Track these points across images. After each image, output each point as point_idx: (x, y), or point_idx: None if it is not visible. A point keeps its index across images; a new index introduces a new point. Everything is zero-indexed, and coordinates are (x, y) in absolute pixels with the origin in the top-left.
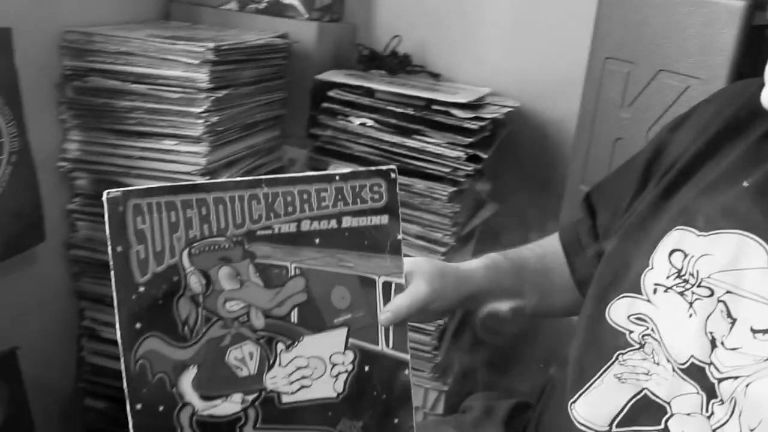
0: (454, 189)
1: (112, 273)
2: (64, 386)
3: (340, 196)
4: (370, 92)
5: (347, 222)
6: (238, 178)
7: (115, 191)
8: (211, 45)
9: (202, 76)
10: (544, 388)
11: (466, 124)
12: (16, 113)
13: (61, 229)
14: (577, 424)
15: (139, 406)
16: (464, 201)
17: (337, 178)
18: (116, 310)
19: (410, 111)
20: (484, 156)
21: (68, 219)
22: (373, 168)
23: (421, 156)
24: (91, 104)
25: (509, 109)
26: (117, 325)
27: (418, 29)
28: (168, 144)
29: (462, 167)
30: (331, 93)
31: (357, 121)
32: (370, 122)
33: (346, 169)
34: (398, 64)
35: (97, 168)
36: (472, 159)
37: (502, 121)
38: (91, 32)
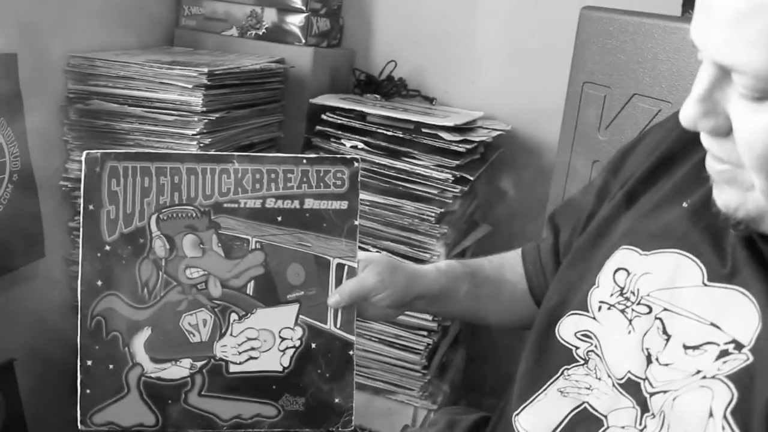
0: (442, 210)
1: (81, 230)
2: (61, 398)
3: (305, 179)
4: (362, 116)
5: (309, 203)
6: (212, 152)
7: (94, 152)
8: (205, 70)
9: (196, 100)
10: (498, 405)
11: (454, 147)
12: (19, 134)
13: (62, 245)
14: None
15: (89, 362)
16: (454, 222)
17: (304, 161)
18: (80, 267)
19: (400, 134)
20: (471, 178)
21: (70, 236)
22: (338, 155)
23: (409, 177)
24: (92, 126)
25: (499, 132)
26: (78, 281)
27: (414, 55)
28: None
29: (449, 189)
30: (324, 116)
31: (349, 144)
32: (361, 145)
33: (313, 154)
34: (393, 88)
35: None
36: (459, 181)
37: (494, 144)
38: (93, 57)
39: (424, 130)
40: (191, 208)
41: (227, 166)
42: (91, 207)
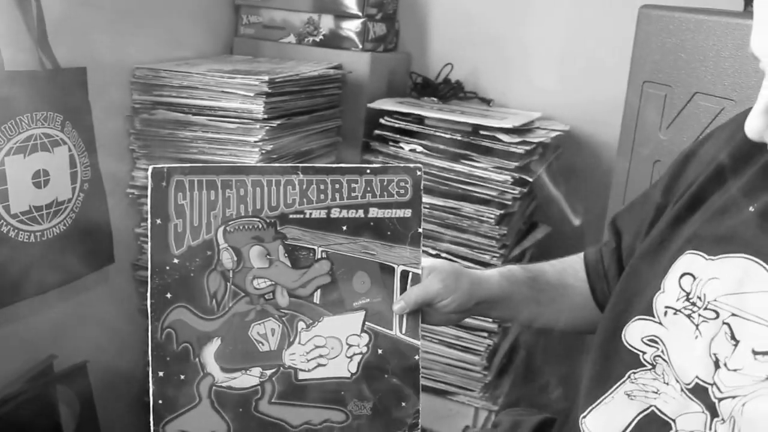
0: (502, 212)
1: (149, 244)
2: (132, 399)
3: (369, 188)
4: (420, 119)
5: (373, 213)
6: (276, 165)
7: (159, 166)
8: (266, 78)
9: (257, 107)
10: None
11: (513, 149)
12: (89, 144)
13: (130, 251)
14: None
15: (161, 373)
16: (512, 223)
17: (368, 171)
18: (149, 279)
19: (458, 137)
20: (530, 179)
21: (137, 242)
22: (401, 165)
23: (468, 180)
24: (157, 135)
25: (558, 133)
26: (148, 294)
27: (471, 57)
28: None
29: (509, 190)
30: (382, 120)
31: (407, 147)
32: (419, 148)
33: (376, 165)
34: (450, 91)
35: None
36: (518, 182)
37: (553, 145)
38: (157, 68)
39: (482, 132)
40: (257, 219)
41: (292, 177)
42: (158, 221)
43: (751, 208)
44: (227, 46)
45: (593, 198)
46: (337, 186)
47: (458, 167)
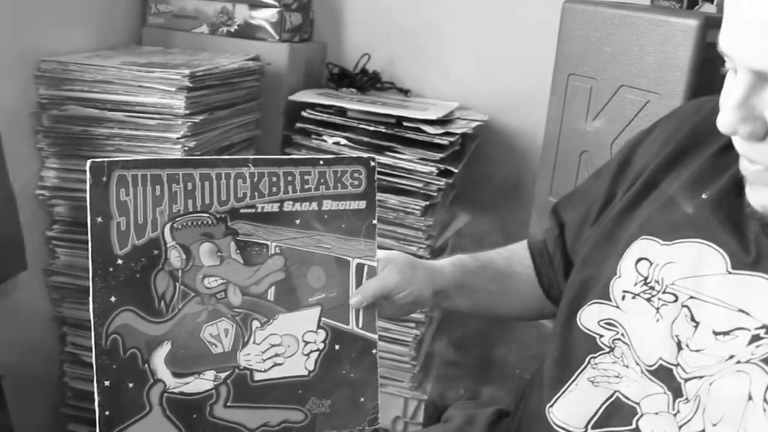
0: (427, 203)
1: (89, 244)
2: (48, 412)
3: (322, 180)
4: (342, 111)
5: (327, 205)
6: (226, 156)
7: (99, 160)
8: (187, 72)
9: (179, 102)
10: (523, 395)
11: (437, 140)
12: None
13: (41, 256)
14: (555, 427)
15: (107, 383)
16: (437, 214)
17: (321, 162)
18: (91, 283)
19: (382, 129)
20: (456, 170)
21: (48, 246)
22: (354, 155)
23: (393, 172)
24: (68, 132)
25: (478, 123)
26: (90, 298)
27: (387, 46)
28: None
29: (434, 182)
30: (304, 113)
31: (330, 140)
32: (343, 141)
33: (329, 155)
34: (368, 81)
35: (75, 195)
36: (443, 173)
37: (471, 135)
38: (66, 61)
39: (405, 123)
40: (207, 215)
41: (242, 170)
42: (99, 219)
43: (703, 195)
44: (135, 37)
45: (511, 185)
46: (289, 178)
47: (383, 159)
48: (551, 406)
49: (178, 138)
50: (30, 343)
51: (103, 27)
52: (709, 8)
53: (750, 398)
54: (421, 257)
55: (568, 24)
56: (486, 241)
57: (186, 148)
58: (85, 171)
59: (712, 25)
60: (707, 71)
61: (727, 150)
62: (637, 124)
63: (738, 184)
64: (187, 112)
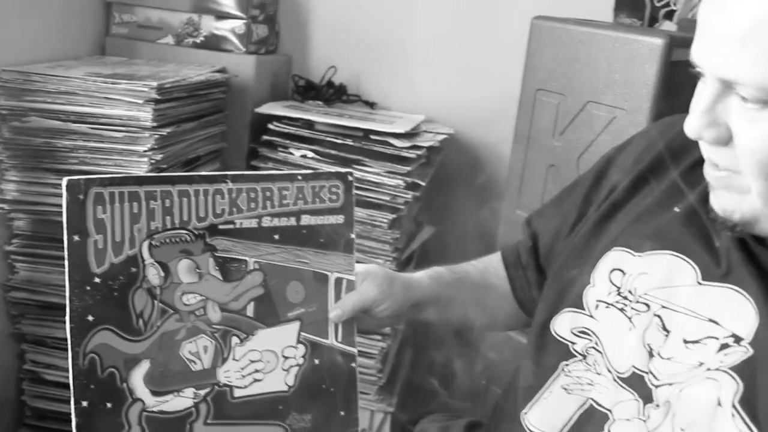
0: (394, 216)
1: (66, 262)
2: (6, 429)
3: (300, 195)
4: (309, 124)
5: (306, 220)
6: (204, 173)
7: (75, 178)
8: (154, 84)
9: (146, 115)
10: (496, 404)
11: (404, 153)
12: None
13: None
14: None
15: (85, 404)
16: (403, 227)
17: (299, 177)
18: (68, 302)
19: (349, 142)
20: (423, 183)
21: (6, 261)
22: (332, 170)
23: (361, 185)
24: (29, 144)
25: (444, 136)
26: (67, 317)
27: (353, 59)
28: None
29: (401, 195)
30: (271, 126)
31: (298, 153)
32: (311, 154)
33: (307, 170)
34: (334, 94)
35: (36, 209)
36: (410, 186)
37: (437, 148)
38: (28, 71)
39: (373, 137)
40: (185, 231)
41: (221, 186)
42: (76, 237)
43: (676, 209)
44: (98, 47)
45: (475, 198)
46: (267, 194)
47: None
48: (526, 412)
49: (144, 151)
50: None
51: (66, 36)
52: (670, 26)
53: (719, 404)
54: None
55: (537, 40)
56: (451, 254)
57: (153, 161)
58: (47, 184)
59: (676, 44)
60: (672, 89)
61: (698, 166)
62: (603, 140)
63: (708, 198)
64: (155, 124)
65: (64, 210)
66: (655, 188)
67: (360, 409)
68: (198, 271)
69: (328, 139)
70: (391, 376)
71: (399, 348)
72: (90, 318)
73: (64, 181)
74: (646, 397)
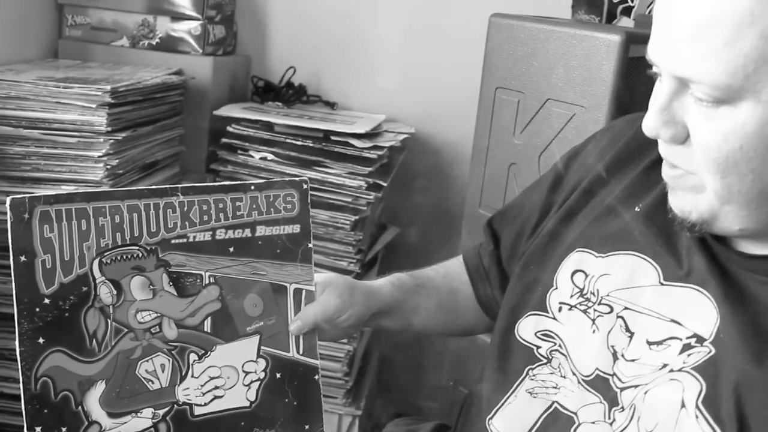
0: (356, 218)
1: (13, 284)
2: None
3: (254, 206)
4: (268, 126)
5: (261, 231)
6: (154, 186)
7: (19, 197)
8: (108, 87)
9: (100, 119)
10: (462, 408)
11: (365, 154)
12: None
13: None
14: None
15: (39, 429)
16: (366, 228)
17: (252, 188)
18: (17, 325)
19: (309, 143)
20: (384, 184)
21: None
22: (287, 179)
23: (322, 187)
24: None
25: (405, 136)
26: (17, 341)
27: (312, 59)
28: (67, 189)
29: (363, 196)
30: (230, 128)
31: (257, 155)
32: (270, 156)
33: (260, 180)
34: (294, 94)
35: None
36: (372, 187)
37: (399, 147)
38: None
39: (333, 138)
40: (136, 248)
41: (171, 199)
42: (23, 258)
43: (636, 209)
44: (51, 50)
45: (438, 198)
46: (220, 206)
47: (311, 174)
48: (491, 418)
49: (99, 156)
50: None
51: (17, 39)
52: (627, 22)
53: (683, 405)
54: (351, 272)
55: (495, 38)
56: (416, 254)
57: (108, 167)
58: (1, 191)
59: (634, 40)
60: (630, 85)
61: (658, 164)
62: (564, 137)
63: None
64: (109, 129)
65: (9, 230)
66: (615, 187)
67: (327, 413)
68: (152, 287)
69: (288, 140)
70: (358, 378)
71: (365, 350)
72: (41, 340)
73: (8, 200)
74: (612, 399)
